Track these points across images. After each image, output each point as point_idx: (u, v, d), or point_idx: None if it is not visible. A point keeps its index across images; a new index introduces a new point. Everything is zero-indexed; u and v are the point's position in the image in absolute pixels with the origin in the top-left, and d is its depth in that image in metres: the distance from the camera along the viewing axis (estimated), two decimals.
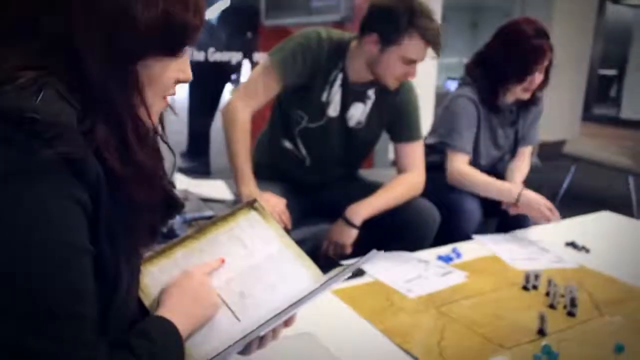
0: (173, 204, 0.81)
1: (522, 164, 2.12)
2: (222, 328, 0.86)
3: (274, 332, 0.90)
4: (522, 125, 2.13)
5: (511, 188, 1.89)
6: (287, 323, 0.90)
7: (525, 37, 1.90)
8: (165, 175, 0.78)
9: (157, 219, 0.78)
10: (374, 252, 0.93)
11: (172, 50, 0.71)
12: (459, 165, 1.96)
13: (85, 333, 0.60)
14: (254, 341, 0.86)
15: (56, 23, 0.63)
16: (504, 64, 1.94)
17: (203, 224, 1.00)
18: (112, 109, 0.65)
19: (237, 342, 0.78)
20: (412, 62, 1.69)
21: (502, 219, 1.99)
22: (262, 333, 0.83)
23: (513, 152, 2.16)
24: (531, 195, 1.84)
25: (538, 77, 1.94)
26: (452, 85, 2.24)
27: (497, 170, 2.11)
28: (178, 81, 0.75)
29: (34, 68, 0.61)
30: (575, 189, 4.17)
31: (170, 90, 0.75)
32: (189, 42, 0.73)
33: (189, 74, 0.76)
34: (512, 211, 1.87)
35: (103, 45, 0.64)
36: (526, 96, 2.00)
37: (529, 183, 2.12)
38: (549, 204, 1.81)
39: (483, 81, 2.01)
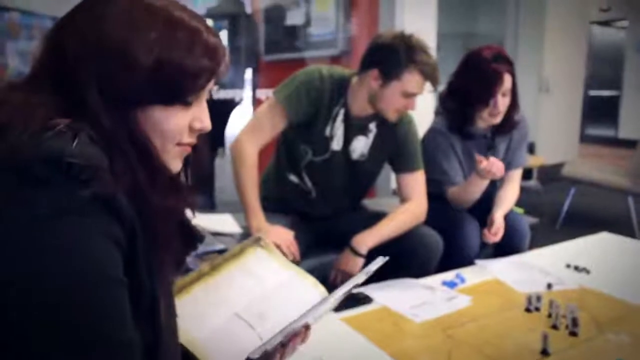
0: (193, 237, 0.85)
1: (510, 191, 2.15)
2: (247, 348, 0.91)
3: (292, 343, 0.92)
4: (505, 150, 2.16)
5: None
6: (303, 339, 0.95)
7: (484, 62, 1.96)
8: (185, 211, 0.81)
9: (179, 251, 0.82)
10: (380, 259, 1.02)
11: (170, 99, 0.71)
12: (448, 195, 2.09)
13: (135, 357, 0.65)
14: (275, 357, 0.89)
15: (74, 81, 0.67)
16: (468, 89, 2.00)
17: (215, 261, 1.07)
18: (123, 154, 0.68)
19: (254, 351, 0.81)
20: (411, 96, 1.77)
21: (497, 246, 2.03)
22: (280, 339, 0.86)
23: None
24: None
25: (502, 101, 1.97)
26: None
27: (492, 197, 2.14)
28: (193, 129, 0.75)
29: (63, 117, 0.65)
30: (575, 211, 4.20)
31: (184, 137, 0.75)
32: (192, 89, 0.72)
33: (206, 123, 0.76)
34: (490, 240, 1.96)
35: (104, 90, 0.67)
36: (495, 121, 2.03)
37: (529, 206, 2.17)
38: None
39: (454, 108, 2.08)
